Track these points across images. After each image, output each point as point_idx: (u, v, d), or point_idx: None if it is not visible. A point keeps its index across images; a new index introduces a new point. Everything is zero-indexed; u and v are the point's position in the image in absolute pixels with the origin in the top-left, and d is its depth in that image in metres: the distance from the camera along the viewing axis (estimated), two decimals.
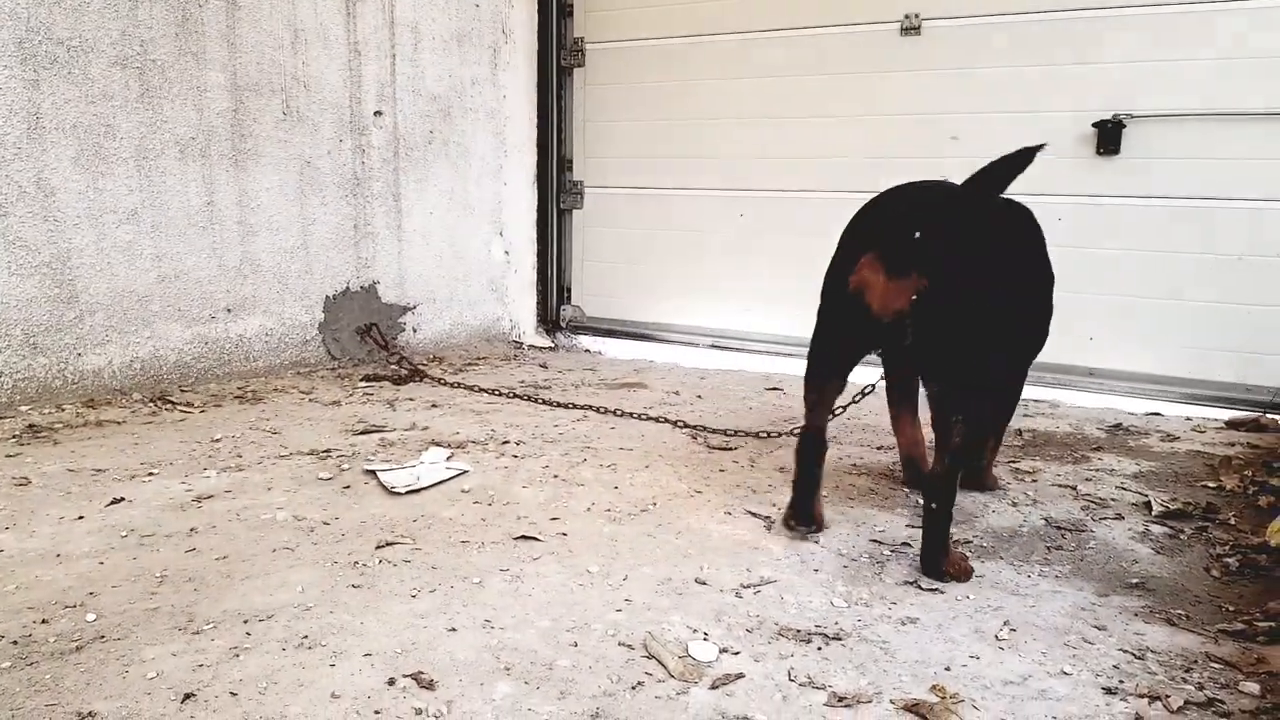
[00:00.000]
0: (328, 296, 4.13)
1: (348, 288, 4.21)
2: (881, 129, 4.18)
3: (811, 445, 2.21)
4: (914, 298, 1.93)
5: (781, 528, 2.24)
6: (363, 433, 3.07)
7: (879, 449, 3.02)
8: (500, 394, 3.70)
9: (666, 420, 3.31)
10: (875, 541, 2.21)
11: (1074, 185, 3.82)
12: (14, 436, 2.92)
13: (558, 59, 4.88)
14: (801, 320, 4.27)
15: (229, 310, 3.76)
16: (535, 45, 4.88)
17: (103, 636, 1.66)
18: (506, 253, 4.98)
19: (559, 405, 3.54)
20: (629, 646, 1.69)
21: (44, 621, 1.71)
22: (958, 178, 1.99)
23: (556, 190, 5.00)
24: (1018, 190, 1.96)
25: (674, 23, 4.60)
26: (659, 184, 4.75)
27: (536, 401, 3.60)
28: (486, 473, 2.64)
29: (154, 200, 3.47)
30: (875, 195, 2.22)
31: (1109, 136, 3.72)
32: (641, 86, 4.74)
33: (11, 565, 1.95)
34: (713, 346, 4.66)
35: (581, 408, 3.51)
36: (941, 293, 1.92)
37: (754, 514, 2.38)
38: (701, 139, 4.60)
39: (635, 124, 4.77)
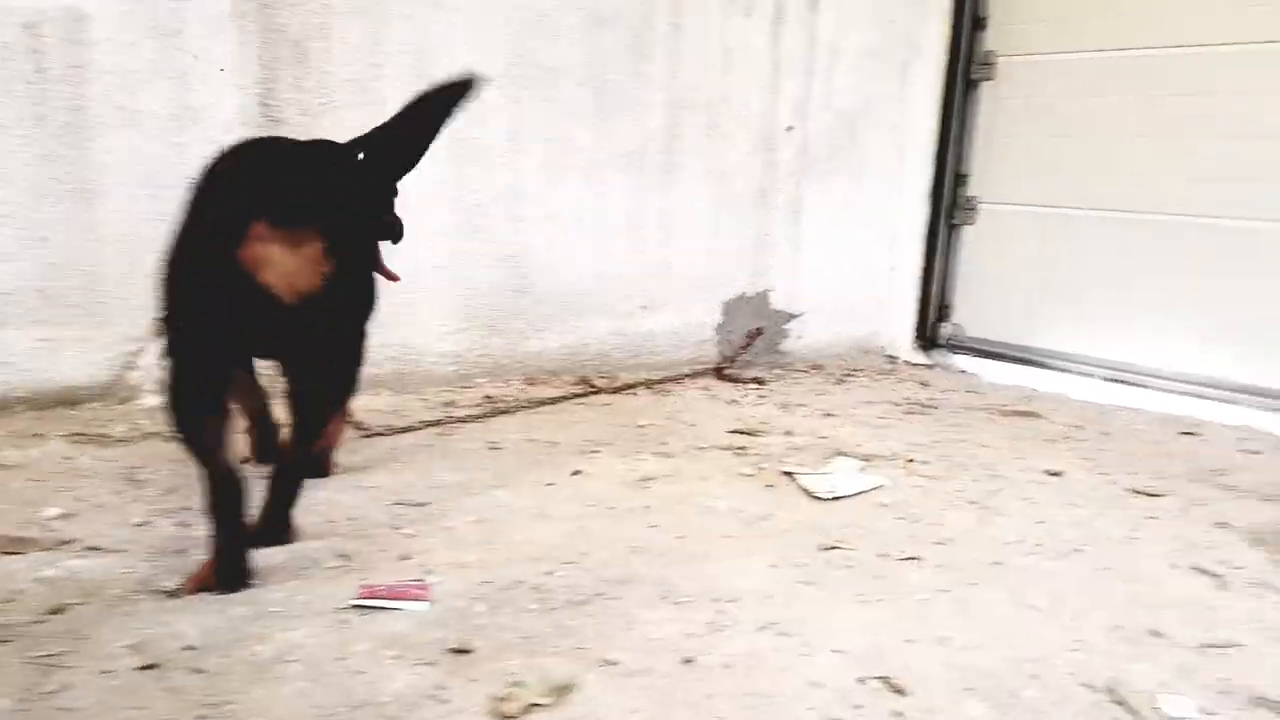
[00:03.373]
0: (725, 300, 4.39)
1: (743, 293, 4.44)
2: None
3: (230, 489, 1.82)
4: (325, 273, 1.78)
5: (200, 593, 1.78)
6: (768, 434, 3.24)
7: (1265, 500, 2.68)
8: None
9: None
10: None
11: None
12: (476, 405, 3.44)
13: (967, 72, 4.77)
14: (1224, 360, 3.89)
15: (644, 307, 4.13)
16: (944, 59, 4.80)
17: (601, 594, 1.92)
18: (892, 267, 4.97)
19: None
20: (1091, 688, 1.65)
21: (549, 574, 2.01)
22: None
23: (950, 205, 4.89)
24: None
25: (1105, 36, 4.28)
26: (1064, 203, 4.48)
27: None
28: (901, 489, 2.67)
29: (595, 206, 3.91)
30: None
31: None
32: (1057, 102, 4.48)
33: (515, 520, 2.32)
34: (1109, 380, 4.30)
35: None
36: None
37: (1201, 570, 2.20)
38: (1125, 159, 4.26)
39: (1046, 140, 4.53)
